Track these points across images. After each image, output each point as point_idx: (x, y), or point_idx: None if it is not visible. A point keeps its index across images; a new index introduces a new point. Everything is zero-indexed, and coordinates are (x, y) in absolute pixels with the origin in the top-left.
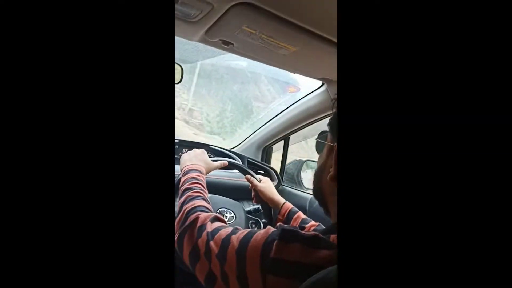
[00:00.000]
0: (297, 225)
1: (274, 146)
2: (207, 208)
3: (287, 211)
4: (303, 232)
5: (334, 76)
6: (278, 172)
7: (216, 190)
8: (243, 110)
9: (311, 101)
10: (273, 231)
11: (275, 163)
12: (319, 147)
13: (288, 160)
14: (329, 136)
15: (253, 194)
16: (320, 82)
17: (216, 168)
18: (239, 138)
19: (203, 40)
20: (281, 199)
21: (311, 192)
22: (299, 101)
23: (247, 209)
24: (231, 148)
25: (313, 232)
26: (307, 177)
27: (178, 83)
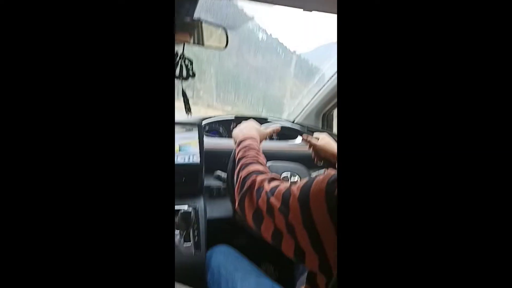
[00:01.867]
0: None
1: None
2: (263, 171)
3: None
4: None
5: None
6: None
7: (279, 159)
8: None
9: None
10: (334, 173)
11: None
12: None
13: None
14: None
15: (313, 154)
16: None
17: (270, 134)
18: (298, 108)
19: None
20: None
21: None
22: None
23: (314, 175)
24: (292, 120)
25: None
26: None
27: (224, 48)
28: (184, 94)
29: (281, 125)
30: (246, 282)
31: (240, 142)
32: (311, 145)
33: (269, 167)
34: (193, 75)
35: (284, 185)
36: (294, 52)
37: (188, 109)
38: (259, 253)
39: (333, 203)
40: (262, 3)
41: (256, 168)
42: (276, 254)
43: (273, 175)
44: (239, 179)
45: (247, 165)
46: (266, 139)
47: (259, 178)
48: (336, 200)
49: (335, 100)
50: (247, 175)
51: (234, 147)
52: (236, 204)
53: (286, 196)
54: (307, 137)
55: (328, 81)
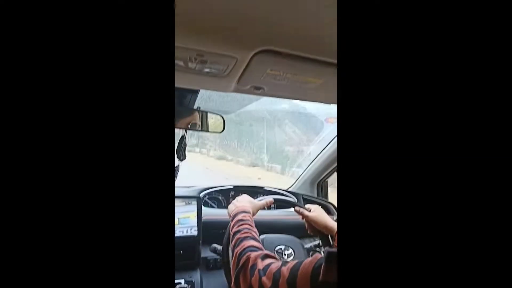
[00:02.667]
0: None
1: (330, 180)
2: (257, 247)
3: None
4: None
5: None
6: (336, 205)
7: (274, 230)
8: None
9: None
10: (321, 257)
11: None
12: None
13: None
14: None
15: (306, 225)
16: None
17: (263, 206)
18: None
19: (237, 90)
20: (335, 224)
21: None
22: None
23: (307, 245)
24: (287, 188)
25: None
26: None
27: (221, 132)
28: (180, 142)
29: (274, 198)
30: None
31: (235, 215)
32: (303, 216)
33: (263, 239)
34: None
35: (275, 265)
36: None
37: (182, 155)
38: None
39: (316, 285)
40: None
41: (251, 244)
42: None
43: (267, 252)
44: (234, 255)
45: (241, 240)
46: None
47: (253, 255)
48: (320, 285)
49: (329, 169)
50: (242, 251)
51: (230, 222)
52: (232, 282)
53: (276, 277)
54: (299, 209)
55: (322, 151)
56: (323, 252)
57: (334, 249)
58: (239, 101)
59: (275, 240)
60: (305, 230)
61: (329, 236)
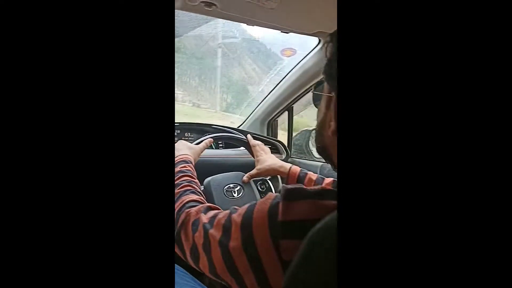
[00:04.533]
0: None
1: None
2: (197, 200)
3: (297, 175)
4: (309, 188)
5: (330, 28)
6: (286, 144)
7: (222, 169)
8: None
9: (309, 63)
10: (276, 195)
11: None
12: (316, 101)
13: (296, 131)
14: (325, 86)
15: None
16: (316, 40)
17: (203, 149)
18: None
19: (184, 7)
20: (286, 166)
21: (323, 160)
22: (297, 65)
23: (257, 180)
24: (238, 127)
25: (319, 186)
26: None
27: None
28: None
29: (214, 136)
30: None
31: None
32: (254, 175)
33: (209, 182)
34: None
35: (223, 214)
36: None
37: None
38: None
39: (277, 230)
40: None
41: (191, 198)
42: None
43: (209, 204)
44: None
45: (181, 194)
46: (212, 146)
47: (193, 210)
48: (280, 225)
49: (281, 108)
50: (181, 207)
51: None
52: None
53: (227, 226)
54: (249, 174)
55: (273, 89)
56: (280, 189)
57: (292, 185)
58: (184, 22)
59: (223, 180)
60: (253, 167)
61: (279, 177)
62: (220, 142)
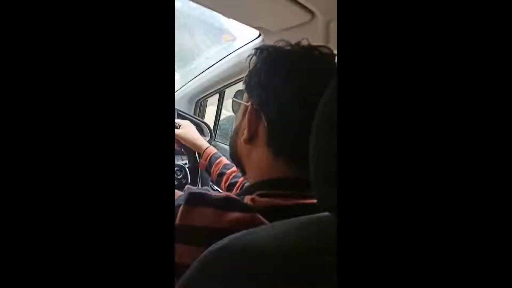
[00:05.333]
0: (218, 170)
1: (210, 100)
2: None
3: (210, 156)
4: (213, 194)
5: (272, 26)
6: (212, 127)
7: None
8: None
9: (246, 53)
10: (179, 196)
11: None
12: (235, 107)
13: (223, 116)
14: (245, 94)
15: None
16: (257, 33)
17: None
18: None
19: None
20: (204, 144)
21: None
22: (234, 53)
23: (176, 162)
24: None
25: (224, 193)
26: None
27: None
28: None
29: None
30: None
31: None
32: None
33: None
34: None
35: None
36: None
37: None
38: None
39: None
40: None
41: None
42: None
43: None
44: None
45: None
46: None
47: None
48: (176, 229)
49: (212, 90)
50: None
51: None
52: None
53: None
54: None
55: (208, 68)
56: (184, 190)
57: (197, 189)
58: None
59: None
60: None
61: (196, 153)
62: None
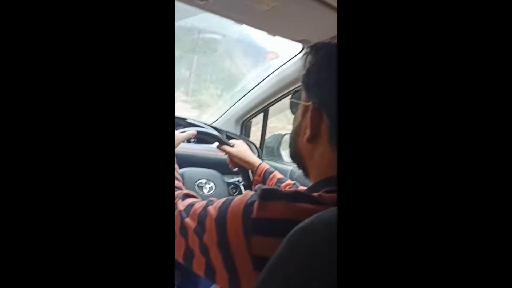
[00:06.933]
0: (273, 184)
1: (255, 120)
2: (176, 186)
3: (263, 171)
4: (283, 190)
5: (315, 38)
6: (258, 146)
7: (195, 164)
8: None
9: (290, 68)
10: (252, 194)
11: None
12: (293, 108)
13: (268, 134)
14: (303, 94)
15: (228, 160)
16: (300, 47)
17: (184, 139)
18: (218, 112)
19: None
20: (257, 160)
21: (292, 165)
22: (277, 70)
23: (228, 180)
24: (211, 123)
25: (294, 189)
26: (287, 151)
27: None
28: None
29: (197, 130)
30: None
31: None
32: (226, 152)
33: (182, 173)
34: None
35: (199, 204)
36: None
37: None
38: None
39: (250, 226)
40: None
41: None
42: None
43: (187, 192)
44: None
45: None
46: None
47: None
48: (253, 222)
49: (256, 109)
50: None
51: None
52: None
53: (202, 217)
54: (222, 146)
55: (252, 89)
56: (256, 189)
57: (269, 186)
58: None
59: (195, 174)
60: (226, 166)
61: (249, 171)
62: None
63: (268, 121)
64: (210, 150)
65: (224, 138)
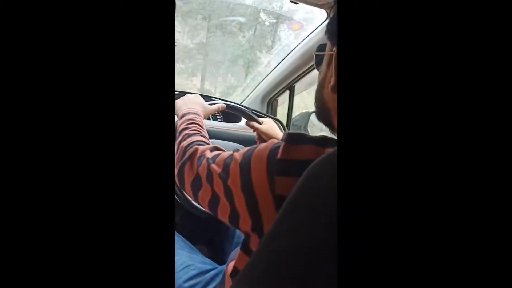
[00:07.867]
0: None
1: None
2: (206, 142)
3: None
4: (310, 135)
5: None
6: (285, 124)
7: (221, 140)
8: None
9: (313, 40)
10: (278, 141)
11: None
12: (318, 63)
13: (295, 112)
14: (327, 46)
15: (256, 137)
16: (324, 15)
17: (214, 111)
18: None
19: None
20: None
21: None
22: (301, 43)
23: None
24: (241, 103)
25: (320, 135)
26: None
27: None
28: None
29: (227, 104)
30: (178, 256)
31: (184, 115)
32: (255, 129)
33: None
34: None
35: (227, 153)
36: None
37: None
38: (193, 233)
39: (274, 166)
40: None
41: (200, 139)
42: (209, 234)
43: (216, 145)
44: (180, 148)
45: (189, 135)
46: (209, 117)
47: (201, 147)
48: (277, 163)
49: (281, 87)
50: (189, 144)
51: (176, 119)
52: (176, 172)
53: (227, 162)
54: (250, 123)
55: (276, 66)
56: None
57: (293, 131)
58: None
59: (223, 146)
60: (253, 143)
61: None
62: (219, 114)
63: (294, 99)
64: (237, 128)
65: (254, 115)
